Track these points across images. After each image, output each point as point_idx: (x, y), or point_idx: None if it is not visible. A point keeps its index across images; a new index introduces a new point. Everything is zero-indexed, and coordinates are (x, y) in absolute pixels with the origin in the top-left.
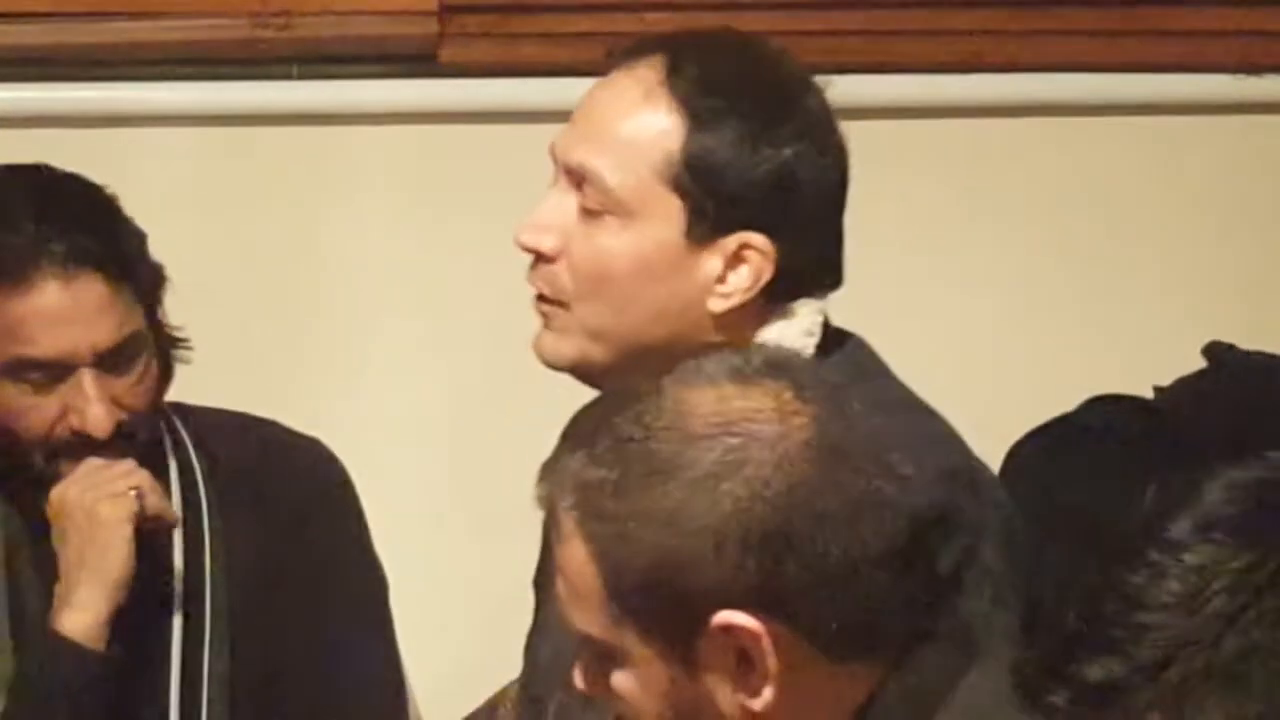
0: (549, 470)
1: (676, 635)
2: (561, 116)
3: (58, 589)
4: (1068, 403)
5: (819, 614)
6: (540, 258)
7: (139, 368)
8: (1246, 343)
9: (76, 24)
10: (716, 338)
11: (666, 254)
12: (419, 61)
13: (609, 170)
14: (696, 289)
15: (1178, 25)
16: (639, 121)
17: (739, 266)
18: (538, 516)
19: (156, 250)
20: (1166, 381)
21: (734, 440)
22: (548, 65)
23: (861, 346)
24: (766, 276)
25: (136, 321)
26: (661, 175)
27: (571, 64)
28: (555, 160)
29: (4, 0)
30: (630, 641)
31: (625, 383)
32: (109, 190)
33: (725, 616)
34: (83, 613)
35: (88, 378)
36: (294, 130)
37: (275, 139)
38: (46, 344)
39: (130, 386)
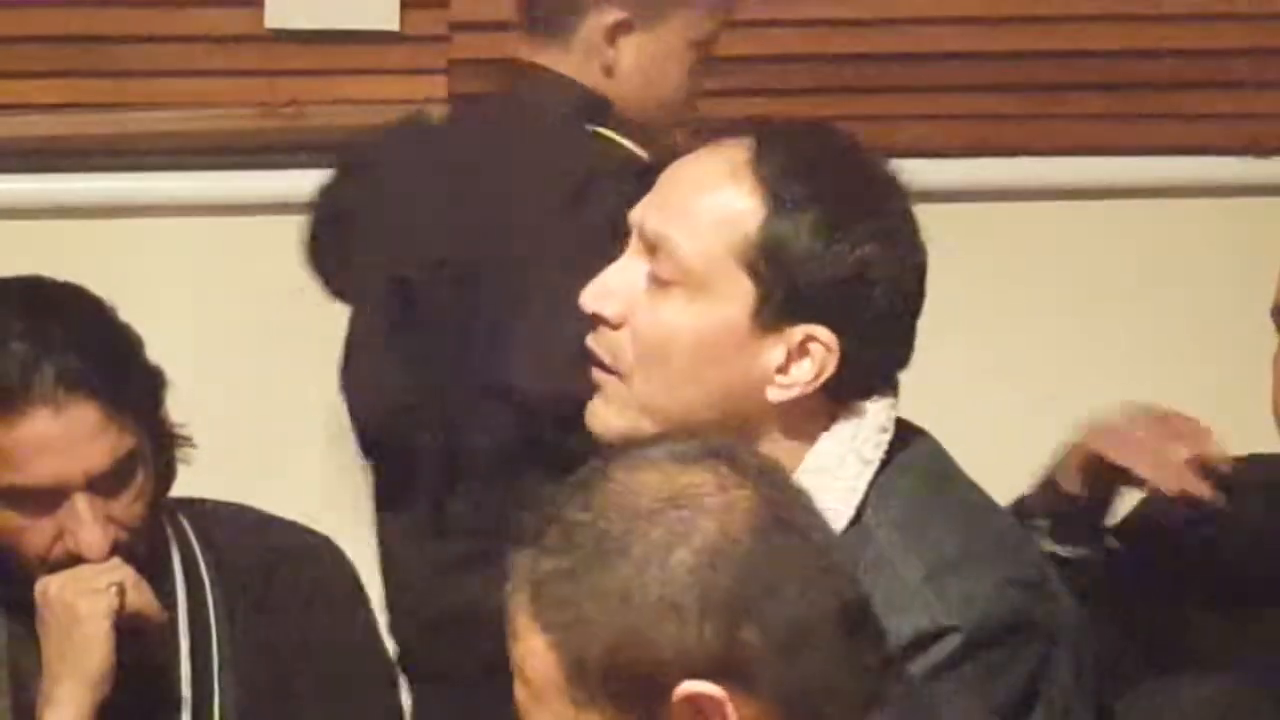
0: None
1: (641, 714)
2: None
3: (41, 686)
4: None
5: (778, 679)
6: (603, 323)
7: (135, 486)
8: (1262, 425)
9: (85, 115)
10: (773, 429)
11: (730, 334)
12: None
13: (684, 240)
14: (756, 376)
15: (1186, 109)
16: (720, 197)
17: (802, 359)
18: None
19: (163, 340)
20: None
21: (681, 513)
22: None
23: (934, 445)
24: (828, 373)
25: (131, 440)
26: (736, 254)
27: None
28: (633, 227)
29: (12, 92)
30: None
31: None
32: (106, 301)
33: (689, 687)
34: (63, 709)
35: (81, 502)
36: (304, 219)
37: (284, 228)
38: (38, 472)
39: (127, 505)
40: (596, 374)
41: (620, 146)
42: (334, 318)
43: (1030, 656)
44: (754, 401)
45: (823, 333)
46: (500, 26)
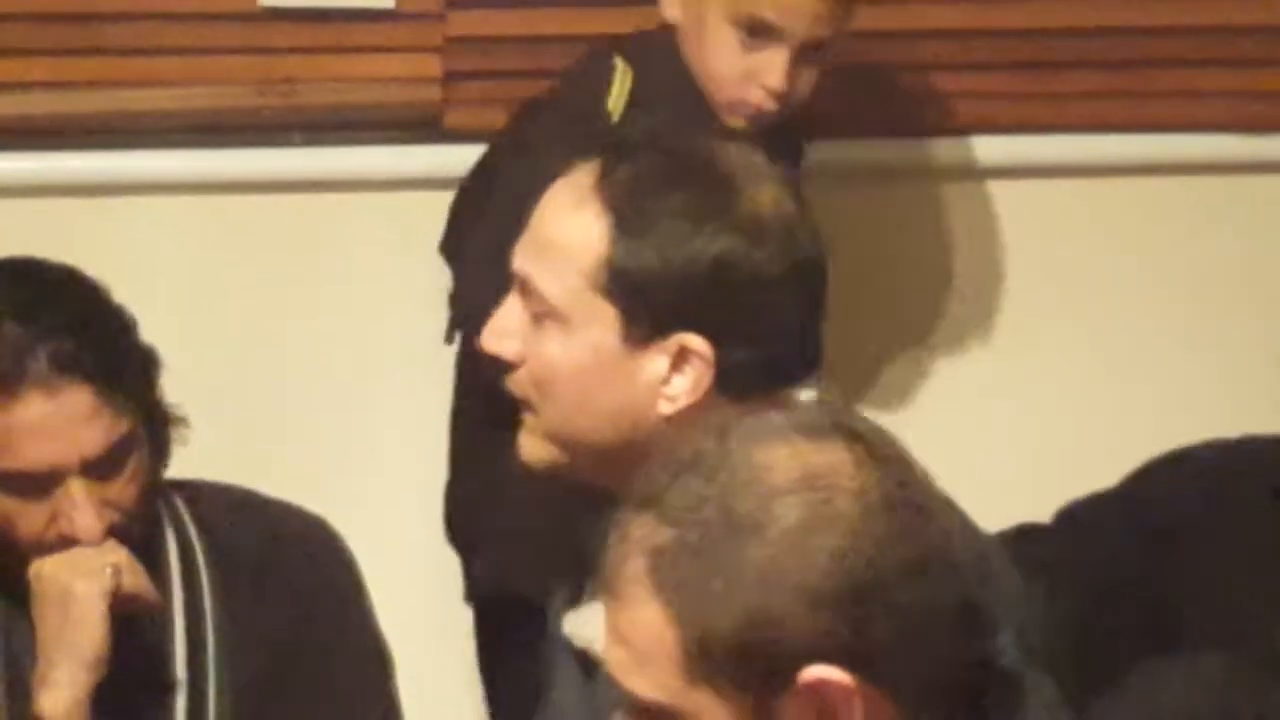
0: (609, 536)
1: (760, 695)
2: None
3: (36, 669)
4: (1077, 462)
5: (902, 668)
6: (504, 364)
7: (129, 468)
8: (1260, 404)
9: (79, 93)
10: (654, 433)
11: (605, 359)
12: (423, 128)
13: (544, 279)
14: (644, 393)
15: (1188, 86)
16: (570, 228)
17: (683, 367)
18: None
19: (157, 319)
20: (1174, 435)
21: (819, 494)
22: None
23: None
24: (707, 380)
25: (126, 423)
26: (592, 282)
27: None
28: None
29: (4, 70)
30: (704, 704)
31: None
32: (99, 281)
33: (817, 672)
34: (60, 691)
35: (76, 486)
36: (298, 197)
37: (279, 206)
38: (32, 456)
39: (122, 488)
40: (520, 408)
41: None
42: (329, 296)
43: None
44: (650, 417)
45: (693, 340)
46: (495, 3)
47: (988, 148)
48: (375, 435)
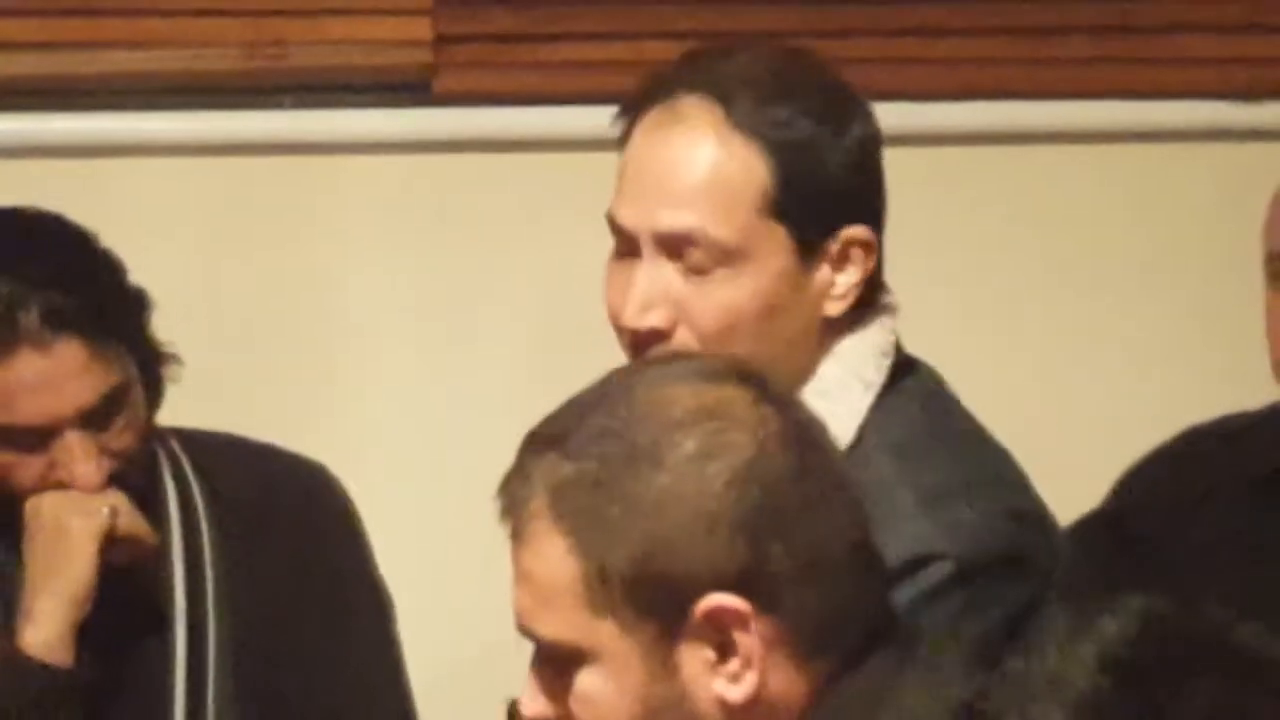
0: (510, 479)
1: (660, 624)
2: (557, 145)
3: (21, 601)
4: (1057, 433)
5: (798, 600)
6: (655, 335)
7: (125, 415)
8: (1244, 371)
9: (68, 54)
10: (816, 344)
11: (786, 282)
12: (414, 91)
13: (712, 225)
14: (814, 302)
15: (1178, 52)
16: (722, 167)
17: (845, 266)
18: None
19: (144, 281)
20: (1162, 407)
21: (715, 424)
22: (543, 95)
23: (934, 373)
24: (871, 264)
25: (120, 371)
26: (762, 210)
27: (567, 93)
28: (626, 232)
29: None
30: (606, 638)
31: None
32: (86, 228)
33: (715, 599)
34: (42, 627)
35: (73, 438)
36: (287, 160)
37: (268, 169)
38: (28, 411)
39: (118, 434)
40: None
41: None
42: (318, 259)
43: (1020, 591)
44: (816, 325)
45: (856, 230)
46: None
47: (974, 113)
48: (363, 397)
